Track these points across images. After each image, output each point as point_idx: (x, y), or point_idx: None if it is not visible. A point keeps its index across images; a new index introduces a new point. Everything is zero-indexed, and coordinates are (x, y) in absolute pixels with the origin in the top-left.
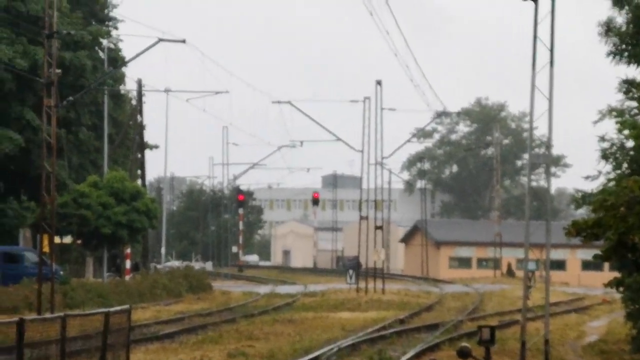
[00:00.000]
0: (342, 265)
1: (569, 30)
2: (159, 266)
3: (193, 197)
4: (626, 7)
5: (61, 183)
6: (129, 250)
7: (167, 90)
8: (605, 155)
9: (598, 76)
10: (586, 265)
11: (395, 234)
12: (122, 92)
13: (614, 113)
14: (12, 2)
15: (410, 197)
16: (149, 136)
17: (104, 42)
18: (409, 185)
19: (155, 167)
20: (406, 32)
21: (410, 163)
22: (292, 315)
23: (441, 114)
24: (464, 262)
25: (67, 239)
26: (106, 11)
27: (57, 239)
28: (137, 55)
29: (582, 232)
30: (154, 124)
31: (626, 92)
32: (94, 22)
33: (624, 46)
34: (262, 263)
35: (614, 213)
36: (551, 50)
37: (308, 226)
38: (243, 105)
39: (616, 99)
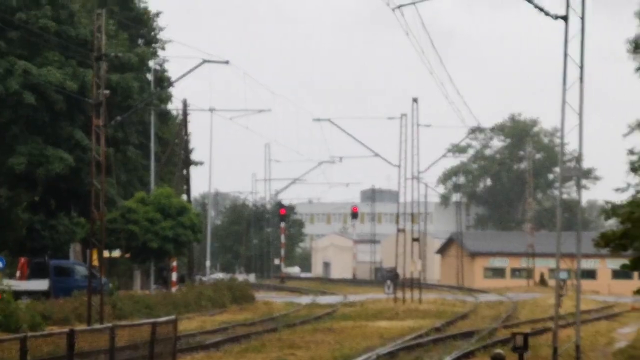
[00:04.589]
0: (380, 276)
1: (599, 45)
2: (204, 278)
3: (236, 212)
4: None
5: (110, 200)
6: (175, 263)
7: (211, 109)
8: (634, 168)
9: (628, 91)
10: (616, 274)
11: (431, 245)
12: (168, 111)
13: None
14: (62, 26)
15: (445, 210)
16: (194, 154)
17: (151, 63)
18: (445, 199)
19: (200, 183)
20: (441, 50)
21: (446, 177)
22: (332, 324)
23: (475, 130)
24: (498, 272)
25: (116, 253)
26: (153, 33)
27: (106, 253)
28: (183, 75)
29: (611, 243)
30: (198, 142)
31: None
32: (140, 44)
33: None
34: (303, 275)
35: None
36: (581, 67)
37: (347, 239)
38: (284, 122)
39: None
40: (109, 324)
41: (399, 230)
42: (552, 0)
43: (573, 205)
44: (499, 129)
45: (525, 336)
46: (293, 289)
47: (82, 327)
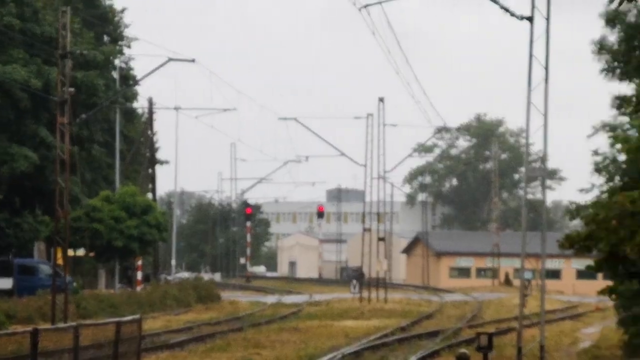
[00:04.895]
0: (346, 276)
1: (563, 47)
2: (169, 277)
3: (202, 211)
4: (618, 27)
5: (74, 198)
6: (140, 262)
7: (177, 108)
8: (598, 169)
9: (592, 92)
10: (580, 274)
11: (397, 245)
12: (134, 109)
13: (607, 128)
14: (27, 24)
15: (411, 209)
16: (159, 152)
17: (116, 61)
18: (411, 198)
19: (165, 182)
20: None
21: (412, 177)
22: (297, 323)
23: (441, 130)
24: (464, 272)
25: (80, 252)
26: (118, 31)
27: (70, 252)
28: (148, 74)
29: (575, 244)
30: (164, 140)
31: (618, 108)
32: (106, 42)
33: (616, 64)
34: (269, 274)
35: (606, 226)
36: (546, 68)
37: (313, 238)
38: (250, 122)
39: (609, 114)
40: (73, 323)
41: (364, 230)
42: (517, 1)
43: (538, 206)
44: (464, 129)
45: (490, 336)
46: (259, 288)
47: (46, 326)
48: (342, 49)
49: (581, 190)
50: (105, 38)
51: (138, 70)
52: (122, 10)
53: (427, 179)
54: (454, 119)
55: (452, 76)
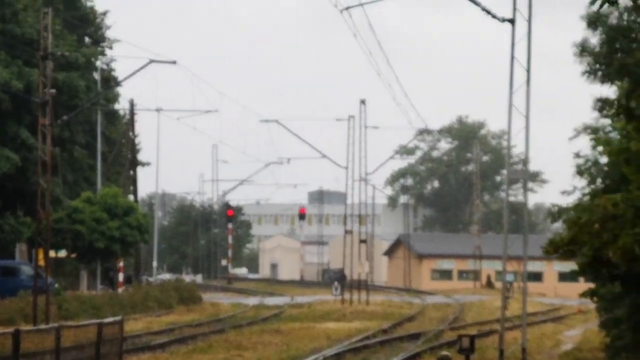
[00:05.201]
0: (327, 278)
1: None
2: (150, 279)
3: (183, 213)
4: (600, 29)
5: (56, 199)
6: (121, 264)
7: (158, 109)
8: (580, 171)
9: (574, 94)
10: (562, 277)
11: (378, 247)
12: (115, 111)
13: (589, 130)
14: (7, 25)
15: (393, 211)
16: (141, 154)
17: (98, 62)
18: (392, 201)
19: (147, 183)
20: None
21: (394, 179)
22: (279, 325)
23: (423, 132)
24: (445, 274)
25: (62, 253)
26: (100, 33)
27: (52, 253)
28: (130, 75)
29: (560, 249)
30: (145, 142)
31: (600, 110)
32: (87, 43)
33: (597, 66)
34: (251, 276)
35: (589, 230)
36: (528, 70)
37: (295, 240)
38: (232, 123)
39: (591, 116)
40: (55, 325)
41: (346, 232)
42: (499, 3)
43: (520, 208)
44: (446, 131)
45: (472, 338)
46: (240, 290)
47: (27, 327)
48: (323, 50)
49: (563, 193)
50: (87, 40)
51: (119, 72)
52: (104, 13)
53: (409, 181)
54: (436, 121)
55: (434, 78)
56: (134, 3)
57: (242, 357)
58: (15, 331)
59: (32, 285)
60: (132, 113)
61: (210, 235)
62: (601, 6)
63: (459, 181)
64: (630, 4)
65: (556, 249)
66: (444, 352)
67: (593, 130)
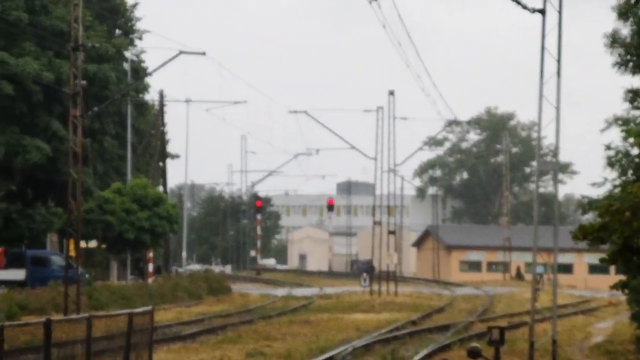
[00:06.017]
0: (356, 269)
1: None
2: (180, 269)
3: (212, 204)
4: (630, 19)
5: (86, 190)
6: (151, 254)
7: (187, 101)
8: (610, 163)
9: (604, 86)
10: (593, 269)
11: (407, 238)
12: (145, 102)
13: (620, 122)
14: (37, 16)
15: (421, 203)
16: (170, 145)
17: (128, 54)
18: (421, 192)
19: (176, 174)
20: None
21: (422, 170)
22: (308, 316)
23: (452, 123)
24: (474, 266)
25: (93, 244)
26: (130, 24)
27: (82, 244)
28: (159, 67)
29: (589, 235)
30: (175, 133)
31: (631, 101)
32: (117, 35)
33: (628, 57)
34: (279, 267)
35: (619, 217)
36: (558, 61)
37: (323, 231)
38: (261, 114)
39: (621, 108)
40: (86, 314)
41: (375, 223)
42: None
43: (550, 199)
44: (475, 122)
45: (502, 330)
46: (269, 281)
47: (58, 317)
48: (352, 42)
49: (593, 184)
50: (117, 31)
51: (149, 63)
52: (134, 5)
53: (438, 172)
54: (465, 112)
55: (463, 69)
56: None
57: (271, 348)
58: (47, 321)
59: (62, 276)
60: (161, 104)
61: (239, 226)
62: None
63: (488, 173)
64: None
65: (585, 235)
66: (474, 344)
67: (624, 122)
